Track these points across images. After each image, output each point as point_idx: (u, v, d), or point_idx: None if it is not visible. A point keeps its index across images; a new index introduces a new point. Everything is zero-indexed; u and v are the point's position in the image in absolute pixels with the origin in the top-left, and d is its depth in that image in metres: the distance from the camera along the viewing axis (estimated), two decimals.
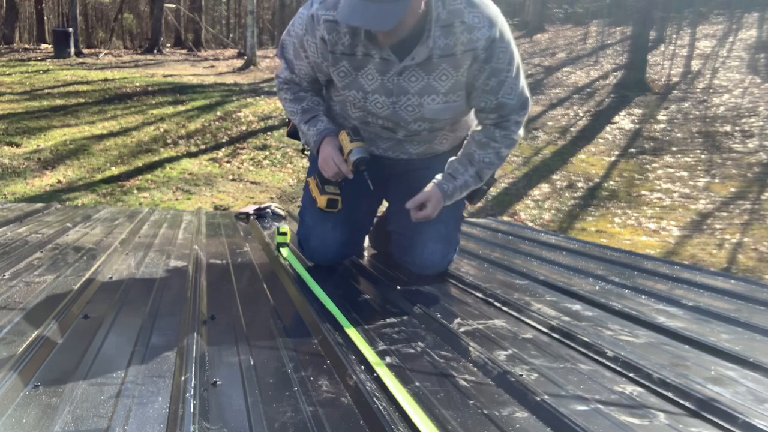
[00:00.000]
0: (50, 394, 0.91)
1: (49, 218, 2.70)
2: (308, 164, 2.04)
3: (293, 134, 1.99)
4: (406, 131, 1.79)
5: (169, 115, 9.99)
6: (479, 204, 7.05)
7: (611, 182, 8.13)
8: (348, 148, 1.73)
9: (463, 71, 1.62)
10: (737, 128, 9.74)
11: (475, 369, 1.09)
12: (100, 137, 8.65)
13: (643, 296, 1.68)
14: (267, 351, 1.15)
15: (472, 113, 1.86)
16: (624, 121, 10.71)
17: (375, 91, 1.69)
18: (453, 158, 1.81)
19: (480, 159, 1.75)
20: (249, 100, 11.10)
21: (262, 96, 11.52)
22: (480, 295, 1.63)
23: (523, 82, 1.71)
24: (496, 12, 1.61)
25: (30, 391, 0.91)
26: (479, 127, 1.79)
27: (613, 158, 9.04)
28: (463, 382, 1.03)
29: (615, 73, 13.73)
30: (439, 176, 1.77)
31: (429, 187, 1.75)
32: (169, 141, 8.78)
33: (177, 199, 6.73)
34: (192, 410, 0.83)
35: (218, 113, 10.18)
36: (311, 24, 1.65)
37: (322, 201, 1.81)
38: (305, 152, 1.97)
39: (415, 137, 1.81)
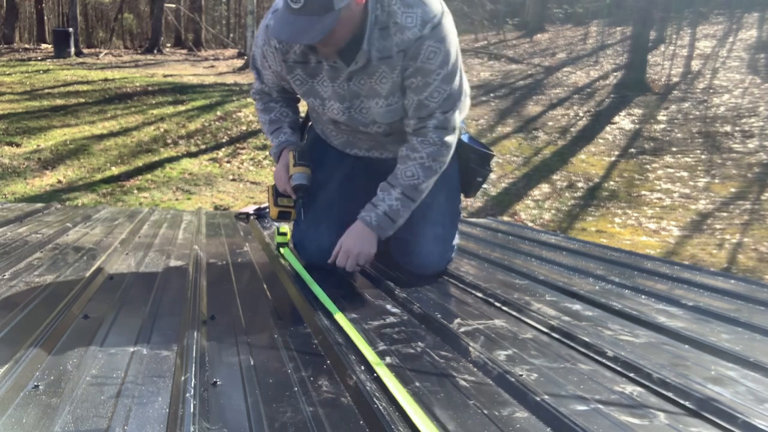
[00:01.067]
0: (50, 394, 0.91)
1: (49, 218, 2.70)
2: None
3: None
4: (375, 130, 1.78)
5: (169, 115, 9.99)
6: (478, 203, 7.06)
7: (611, 182, 8.13)
8: (290, 172, 1.78)
9: (398, 72, 1.60)
10: (737, 128, 9.74)
11: (475, 369, 1.09)
12: (100, 137, 8.65)
13: (643, 296, 1.68)
14: (267, 351, 1.15)
15: None
16: (624, 121, 10.71)
17: (330, 97, 1.70)
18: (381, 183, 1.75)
19: (402, 175, 1.68)
20: (249, 100, 11.09)
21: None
22: (480, 295, 1.63)
23: (455, 86, 1.63)
24: (435, 11, 1.55)
25: (30, 391, 0.91)
26: (403, 145, 1.73)
27: (613, 158, 9.04)
28: (463, 382, 1.03)
29: (615, 73, 13.73)
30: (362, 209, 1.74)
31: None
32: (169, 141, 8.78)
33: (177, 199, 6.73)
34: (192, 410, 0.83)
35: (218, 113, 10.18)
36: (266, 34, 1.67)
37: (273, 212, 1.88)
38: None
39: (391, 136, 1.80)
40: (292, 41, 1.55)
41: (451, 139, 1.70)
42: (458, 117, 1.70)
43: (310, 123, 2.03)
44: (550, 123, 10.64)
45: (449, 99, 1.63)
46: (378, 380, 0.98)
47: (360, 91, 1.66)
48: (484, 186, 2.02)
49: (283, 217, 1.88)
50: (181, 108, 10.42)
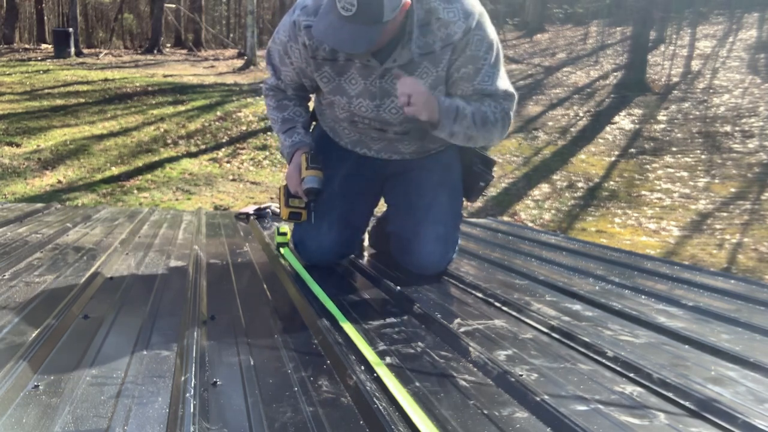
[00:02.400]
0: (50, 394, 0.91)
1: (49, 218, 2.70)
2: None
3: None
4: (395, 130, 1.79)
5: (169, 115, 9.99)
6: (478, 204, 7.05)
7: (611, 182, 8.13)
8: (302, 175, 1.76)
9: (443, 66, 1.63)
10: (737, 128, 9.74)
11: (475, 369, 1.09)
12: (100, 137, 8.65)
13: (643, 296, 1.68)
14: (267, 351, 1.15)
15: None
16: (624, 121, 10.71)
17: (359, 95, 1.69)
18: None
19: (477, 108, 1.65)
20: (249, 100, 11.10)
21: (263, 96, 11.50)
22: (480, 295, 1.63)
23: (503, 75, 1.69)
24: (472, 3, 1.60)
25: (30, 391, 0.91)
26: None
27: (613, 158, 9.04)
28: (463, 382, 1.03)
29: (615, 74, 13.73)
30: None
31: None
32: (169, 141, 8.78)
33: (177, 199, 6.73)
34: (192, 410, 0.83)
35: (218, 113, 10.18)
36: (293, 30, 1.66)
37: (284, 213, 1.86)
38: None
39: (405, 136, 1.81)
40: (336, 47, 1.55)
41: (512, 114, 1.73)
42: (512, 89, 1.72)
43: (313, 122, 2.02)
44: (550, 123, 10.64)
45: (502, 80, 1.68)
46: (378, 380, 0.98)
47: (392, 89, 1.66)
48: (485, 190, 2.02)
49: (293, 217, 1.86)
50: (181, 108, 10.42)
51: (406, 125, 1.74)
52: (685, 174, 8.22)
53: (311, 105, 1.98)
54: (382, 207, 2.09)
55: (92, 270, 1.69)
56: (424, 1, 1.56)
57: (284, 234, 2.05)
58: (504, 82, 1.70)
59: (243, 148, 8.71)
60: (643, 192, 7.69)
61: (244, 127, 9.59)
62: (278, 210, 2.99)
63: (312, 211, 1.79)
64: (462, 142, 1.73)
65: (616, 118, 10.82)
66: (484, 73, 1.64)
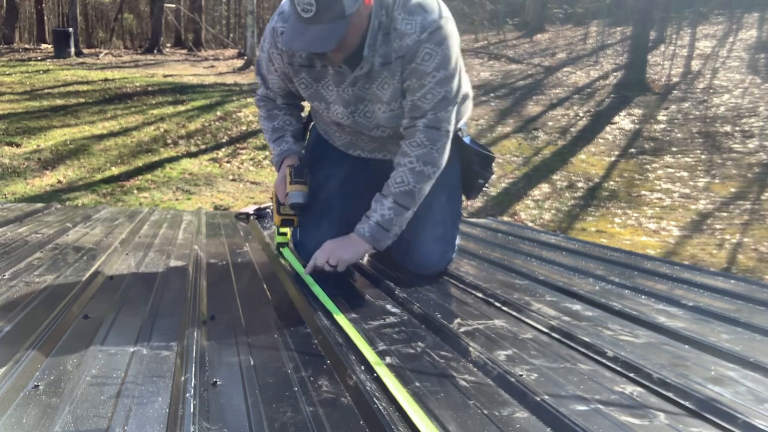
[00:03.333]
0: (50, 394, 0.91)
1: (49, 218, 2.70)
2: None
3: None
4: (376, 134, 1.79)
5: (169, 115, 9.99)
6: (478, 204, 7.06)
7: (611, 182, 8.13)
8: (287, 190, 1.80)
9: (398, 78, 1.60)
10: (737, 128, 9.74)
11: (475, 369, 1.09)
12: (100, 137, 8.65)
13: (643, 296, 1.68)
14: (267, 351, 1.15)
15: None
16: (624, 121, 10.71)
17: (334, 101, 1.70)
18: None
19: (392, 183, 1.65)
20: (249, 100, 11.10)
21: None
22: (480, 295, 1.63)
23: (448, 99, 1.60)
24: (434, 17, 1.54)
25: (30, 391, 0.91)
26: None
27: (613, 158, 9.04)
28: (463, 382, 1.03)
29: (615, 74, 13.73)
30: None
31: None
32: (169, 141, 8.78)
33: (177, 199, 6.73)
34: (192, 410, 0.83)
35: (218, 113, 10.18)
36: (273, 37, 1.67)
37: (277, 220, 1.91)
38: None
39: (395, 138, 1.81)
40: (305, 50, 1.55)
41: (443, 141, 1.65)
42: (452, 119, 1.66)
43: (312, 123, 2.03)
44: (550, 123, 10.64)
45: (443, 101, 1.60)
46: (378, 380, 0.98)
47: (364, 96, 1.66)
48: (485, 187, 2.02)
49: (286, 224, 1.91)
50: (181, 108, 10.42)
51: (382, 129, 1.74)
52: (685, 174, 8.23)
53: (307, 110, 1.99)
54: None
55: (92, 270, 1.69)
56: (388, 8, 1.54)
57: (284, 234, 2.05)
58: (444, 114, 1.61)
59: (243, 148, 8.71)
60: (643, 192, 7.69)
61: (244, 127, 9.59)
62: None
63: (297, 228, 1.86)
64: (415, 209, 1.70)
65: (616, 118, 10.82)
66: (427, 90, 1.57)
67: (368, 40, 1.54)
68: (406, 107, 1.64)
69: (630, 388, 1.02)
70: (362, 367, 1.04)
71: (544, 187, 7.86)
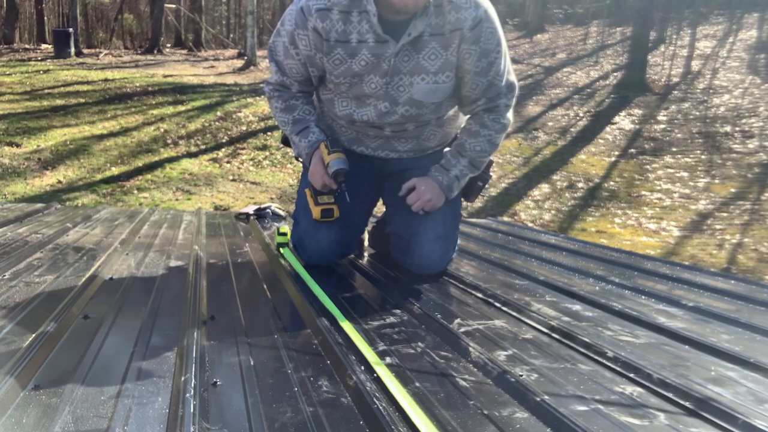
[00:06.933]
0: (50, 394, 0.91)
1: (49, 218, 2.70)
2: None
3: (287, 141, 1.98)
4: (392, 126, 1.79)
5: (169, 115, 9.99)
6: (478, 204, 7.05)
7: (611, 182, 8.13)
8: (326, 160, 1.76)
9: (452, 51, 1.65)
10: (737, 129, 9.74)
11: (475, 369, 1.09)
12: (100, 137, 8.65)
13: (643, 297, 1.68)
14: (267, 351, 1.15)
15: (460, 114, 1.88)
16: (624, 121, 10.71)
17: (369, 72, 1.69)
18: (447, 149, 1.86)
19: (471, 148, 1.79)
20: (249, 100, 11.10)
21: (263, 96, 11.50)
22: (480, 295, 1.63)
23: (509, 66, 1.76)
24: None
25: (30, 391, 0.91)
26: (469, 119, 1.84)
27: (613, 158, 9.04)
28: (463, 382, 1.03)
29: (615, 74, 13.73)
30: (432, 168, 1.82)
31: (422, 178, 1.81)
32: (169, 141, 8.78)
33: (177, 200, 6.73)
34: (192, 410, 0.83)
35: (218, 113, 10.18)
36: (302, 17, 1.66)
37: (316, 212, 1.82)
38: (299, 159, 1.96)
39: (402, 133, 1.82)
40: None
41: (512, 117, 1.84)
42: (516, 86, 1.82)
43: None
44: (550, 123, 10.64)
45: (509, 77, 1.76)
46: (378, 380, 0.98)
47: (402, 68, 1.68)
48: (483, 189, 2.04)
49: (326, 215, 1.82)
50: (181, 108, 10.42)
51: (407, 108, 1.75)
52: (685, 174, 8.23)
53: None
54: (381, 208, 2.10)
55: (92, 270, 1.69)
56: None
57: (284, 234, 2.06)
58: (511, 75, 1.77)
59: (243, 148, 8.71)
60: (643, 192, 7.69)
61: (244, 127, 9.59)
62: (278, 210, 3.00)
63: (345, 192, 1.77)
64: (483, 166, 1.87)
65: (616, 119, 10.82)
66: (497, 66, 1.70)
67: (430, 11, 1.59)
68: (479, 88, 1.73)
69: (630, 389, 1.02)
70: (362, 367, 1.04)
71: (544, 188, 7.87)
